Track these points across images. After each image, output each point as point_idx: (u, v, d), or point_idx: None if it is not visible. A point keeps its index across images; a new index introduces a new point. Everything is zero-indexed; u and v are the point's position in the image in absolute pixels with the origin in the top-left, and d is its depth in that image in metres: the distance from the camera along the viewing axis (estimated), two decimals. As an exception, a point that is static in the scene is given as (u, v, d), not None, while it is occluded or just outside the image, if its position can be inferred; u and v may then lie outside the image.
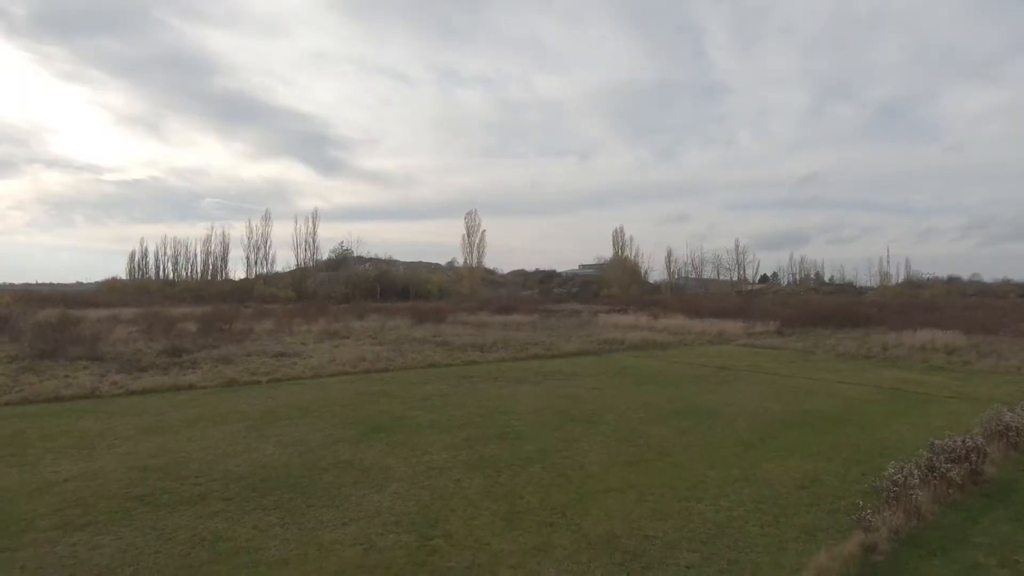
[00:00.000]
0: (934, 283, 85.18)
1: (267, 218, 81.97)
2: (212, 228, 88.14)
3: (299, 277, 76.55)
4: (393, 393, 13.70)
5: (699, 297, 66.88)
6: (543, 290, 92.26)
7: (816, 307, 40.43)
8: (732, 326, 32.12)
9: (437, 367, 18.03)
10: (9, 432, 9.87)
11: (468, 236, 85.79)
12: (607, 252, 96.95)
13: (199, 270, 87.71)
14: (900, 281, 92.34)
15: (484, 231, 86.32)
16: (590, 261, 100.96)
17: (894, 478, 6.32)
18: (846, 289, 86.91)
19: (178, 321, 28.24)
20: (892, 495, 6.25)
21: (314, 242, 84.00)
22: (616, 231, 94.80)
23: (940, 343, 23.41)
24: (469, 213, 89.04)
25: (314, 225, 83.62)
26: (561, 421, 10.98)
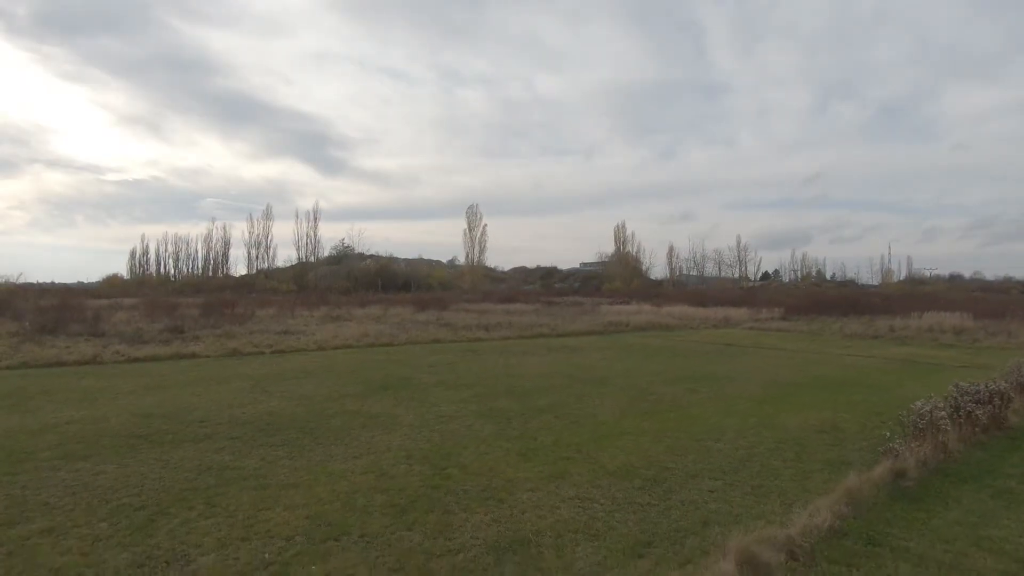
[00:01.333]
0: (936, 280, 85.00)
1: (268, 214, 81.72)
2: (213, 224, 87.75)
3: (300, 271, 76.35)
4: (399, 361, 13.51)
5: (702, 290, 66.63)
6: (545, 285, 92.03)
7: (820, 296, 40.19)
8: (736, 313, 31.91)
9: (441, 342, 17.84)
10: (9, 388, 9.69)
11: (470, 231, 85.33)
12: (608, 250, 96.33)
13: (200, 267, 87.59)
14: (902, 278, 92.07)
15: (485, 225, 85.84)
16: (591, 259, 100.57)
17: (921, 411, 6.13)
18: (847, 286, 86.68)
19: (179, 307, 28.04)
20: (920, 428, 6.06)
21: (316, 236, 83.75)
22: (617, 227, 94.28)
23: (948, 324, 23.19)
24: (471, 207, 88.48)
25: (315, 221, 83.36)
26: (570, 382, 10.79)
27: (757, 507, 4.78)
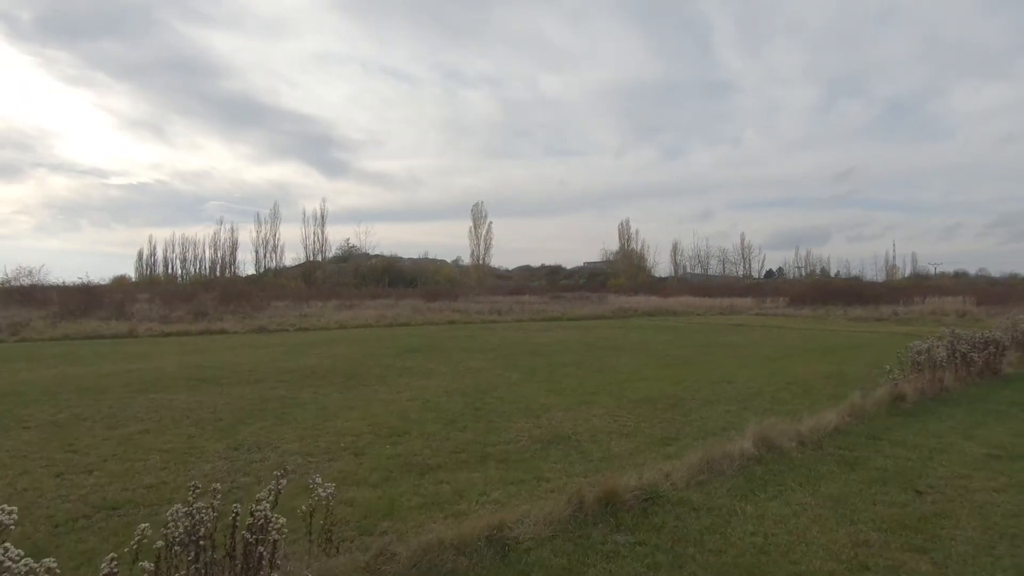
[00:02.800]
0: (941, 276, 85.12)
1: (275, 213, 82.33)
2: (221, 225, 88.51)
3: (308, 269, 77.18)
4: (420, 335, 14.08)
5: (706, 285, 66.98)
6: (550, 283, 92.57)
7: (825, 286, 40.60)
8: (741, 302, 32.37)
9: (456, 323, 18.41)
10: (60, 351, 10.32)
11: (475, 228, 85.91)
12: (613, 248, 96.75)
13: (207, 267, 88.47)
14: (907, 275, 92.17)
15: (491, 223, 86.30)
16: (596, 259, 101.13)
17: (920, 348, 6.64)
18: (852, 281, 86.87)
19: (197, 295, 28.70)
20: (918, 364, 6.58)
21: (323, 236, 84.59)
22: (622, 224, 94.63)
23: (950, 308, 23.63)
24: (476, 205, 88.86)
25: (322, 221, 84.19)
26: (587, 348, 11.34)
27: (767, 420, 5.32)
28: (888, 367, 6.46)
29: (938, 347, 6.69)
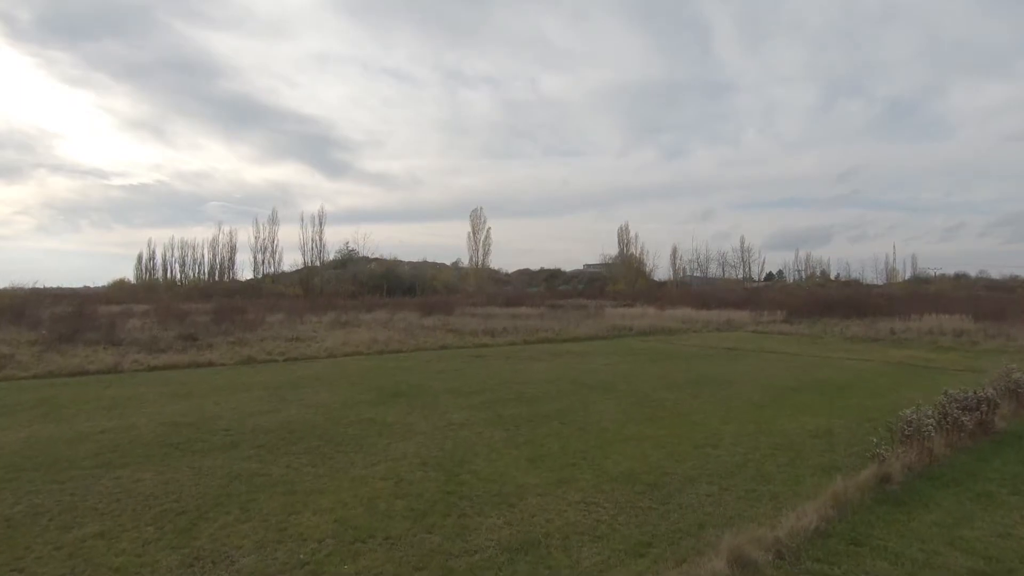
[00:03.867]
0: (942, 279, 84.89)
1: (274, 218, 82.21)
2: (219, 229, 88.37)
3: (306, 275, 77.02)
4: (409, 368, 13.92)
5: (705, 291, 66.90)
6: (549, 287, 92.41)
7: (823, 297, 40.43)
8: (739, 315, 32.22)
9: (449, 348, 18.26)
10: (39, 397, 10.16)
11: (474, 233, 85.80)
12: (612, 251, 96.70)
13: (206, 271, 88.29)
14: (907, 278, 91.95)
15: (490, 228, 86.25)
16: (595, 261, 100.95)
17: (909, 419, 6.48)
18: (852, 285, 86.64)
19: (190, 314, 28.58)
20: (907, 435, 6.41)
21: (321, 240, 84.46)
22: (621, 228, 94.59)
23: (948, 327, 23.47)
24: (475, 211, 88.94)
25: (320, 224, 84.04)
26: (575, 388, 11.17)
27: (750, 510, 5.15)
28: (874, 439, 6.29)
29: (928, 418, 6.52)
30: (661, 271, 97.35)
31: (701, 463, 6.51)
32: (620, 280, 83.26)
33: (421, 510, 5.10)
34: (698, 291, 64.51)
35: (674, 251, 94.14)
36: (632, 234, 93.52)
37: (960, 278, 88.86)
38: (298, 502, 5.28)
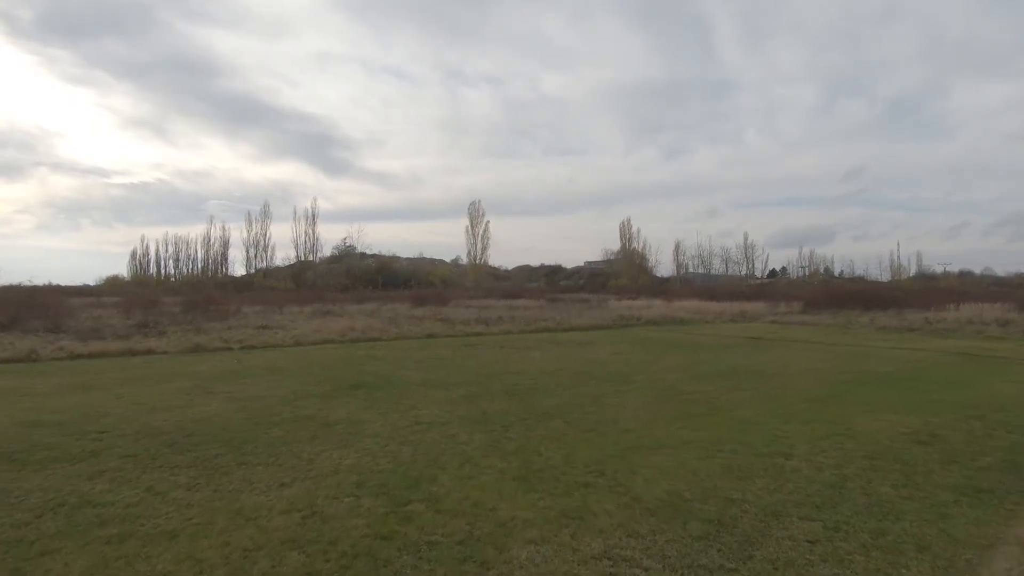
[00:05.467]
0: (948, 276, 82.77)
1: (266, 211, 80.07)
2: (211, 223, 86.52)
3: (299, 269, 74.88)
4: (382, 357, 11.74)
5: (711, 286, 64.82)
6: (549, 283, 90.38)
7: (838, 289, 38.30)
8: (752, 307, 30.07)
9: (436, 337, 16.08)
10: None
11: (472, 227, 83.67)
12: (613, 248, 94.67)
13: (199, 267, 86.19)
14: (912, 275, 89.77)
15: (488, 222, 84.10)
16: (595, 258, 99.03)
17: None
18: (858, 282, 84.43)
19: (159, 304, 26.37)
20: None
21: (314, 234, 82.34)
22: (623, 223, 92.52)
23: (989, 316, 21.28)
24: (473, 203, 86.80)
25: (313, 219, 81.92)
26: (581, 380, 8.99)
27: (895, 571, 2.98)
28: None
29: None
30: (663, 268, 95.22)
31: (777, 482, 4.33)
32: (622, 275, 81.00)
33: (326, 574, 2.92)
34: (704, 286, 62.39)
35: (677, 246, 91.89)
36: (634, 229, 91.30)
37: (965, 275, 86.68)
38: (120, 557, 3.09)
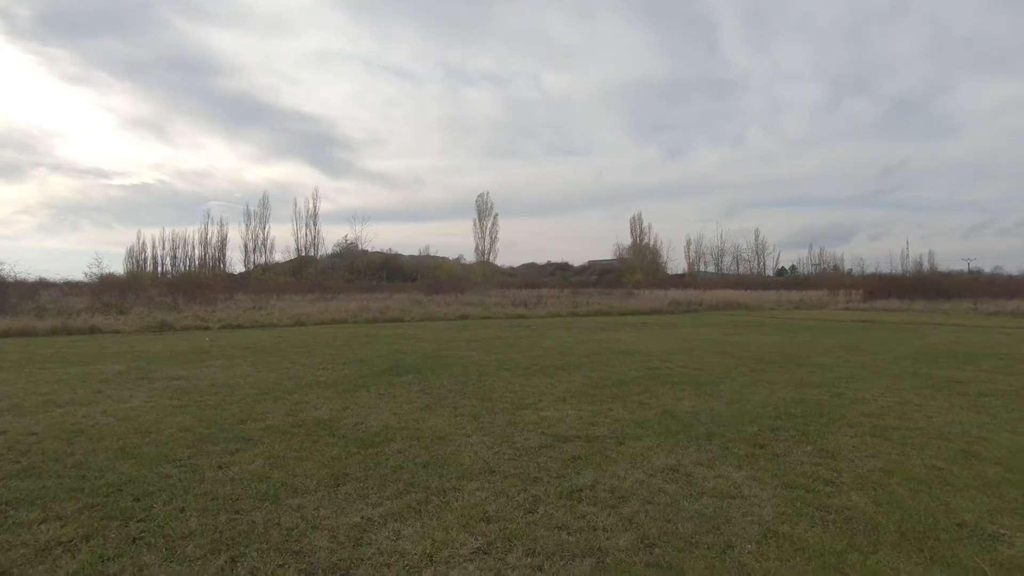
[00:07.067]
0: (960, 275, 79.68)
1: (264, 204, 77.06)
2: (208, 219, 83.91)
3: (299, 264, 71.77)
4: (416, 336, 8.38)
5: (738, 279, 61.54)
6: (562, 279, 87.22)
7: (893, 279, 35.02)
8: (812, 295, 26.77)
9: (471, 318, 12.75)
10: None
11: (480, 221, 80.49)
12: (620, 245, 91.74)
13: (196, 264, 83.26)
14: (926, 272, 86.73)
15: (496, 215, 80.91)
16: (601, 258, 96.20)
17: None
18: (923, 276, 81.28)
19: (143, 288, 23.02)
20: None
21: (316, 230, 79.24)
22: (634, 219, 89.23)
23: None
24: (480, 196, 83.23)
25: (315, 214, 78.81)
26: (736, 363, 5.66)
27: None
28: None
29: None
30: (673, 265, 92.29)
31: None
32: (637, 270, 77.79)
33: None
34: (728, 279, 59.25)
35: (688, 243, 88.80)
36: (645, 224, 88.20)
37: (975, 273, 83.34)
38: None
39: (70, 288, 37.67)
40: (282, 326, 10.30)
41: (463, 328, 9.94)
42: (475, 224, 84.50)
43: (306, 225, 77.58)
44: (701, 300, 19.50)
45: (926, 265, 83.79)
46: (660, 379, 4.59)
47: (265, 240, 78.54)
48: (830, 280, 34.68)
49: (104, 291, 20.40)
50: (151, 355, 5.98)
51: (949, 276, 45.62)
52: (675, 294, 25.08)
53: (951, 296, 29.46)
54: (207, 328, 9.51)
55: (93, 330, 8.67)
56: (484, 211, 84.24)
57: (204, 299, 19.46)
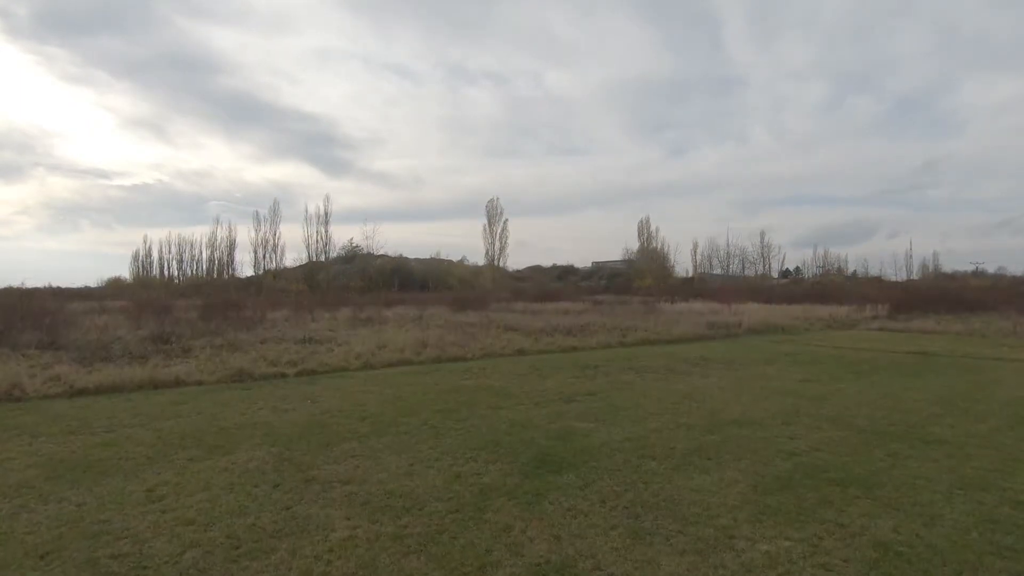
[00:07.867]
0: (965, 276, 79.40)
1: (275, 209, 77.04)
2: (217, 223, 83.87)
3: (310, 270, 71.68)
4: (502, 389, 8.38)
5: (743, 287, 61.50)
6: (565, 283, 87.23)
7: (915, 292, 35.07)
8: (833, 311, 26.76)
9: (528, 354, 12.75)
10: None
11: (490, 226, 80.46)
12: (618, 251, 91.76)
13: (204, 268, 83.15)
14: (931, 274, 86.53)
15: (507, 220, 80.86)
16: (603, 258, 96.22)
17: None
18: (873, 283, 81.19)
19: (172, 310, 23.05)
20: None
21: (327, 234, 79.15)
22: (641, 222, 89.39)
23: None
24: (491, 201, 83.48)
25: (326, 217, 78.74)
26: (859, 438, 5.66)
27: None
28: None
29: None
30: (680, 267, 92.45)
31: None
32: (647, 275, 77.68)
33: None
34: (732, 286, 59.18)
35: (695, 246, 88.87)
36: (653, 228, 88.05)
37: (979, 275, 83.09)
38: None
39: (86, 296, 37.61)
40: (352, 370, 10.31)
41: (536, 373, 9.93)
42: (485, 229, 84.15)
43: (317, 232, 77.10)
44: (739, 321, 19.50)
45: (931, 267, 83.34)
46: (815, 475, 4.57)
47: (275, 246, 78.01)
48: (840, 290, 34.59)
49: (142, 314, 20.43)
50: (274, 431, 5.97)
51: (965, 283, 45.51)
52: (704, 309, 25.07)
53: (974, 308, 29.60)
54: (283, 376, 9.52)
55: (178, 382, 8.68)
56: (494, 215, 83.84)
57: (243, 322, 19.51)
